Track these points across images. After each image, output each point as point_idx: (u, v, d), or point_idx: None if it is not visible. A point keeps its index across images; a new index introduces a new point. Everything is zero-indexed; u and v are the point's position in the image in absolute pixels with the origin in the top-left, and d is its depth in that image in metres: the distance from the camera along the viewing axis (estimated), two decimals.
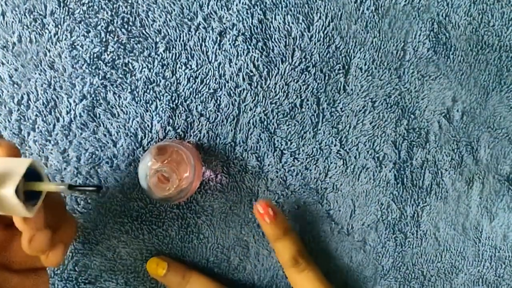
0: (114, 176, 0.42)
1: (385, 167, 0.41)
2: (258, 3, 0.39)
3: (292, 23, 0.39)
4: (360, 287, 0.43)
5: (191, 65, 0.40)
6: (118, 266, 0.43)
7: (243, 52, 0.40)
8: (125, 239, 0.42)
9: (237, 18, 0.40)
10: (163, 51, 0.40)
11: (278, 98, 0.41)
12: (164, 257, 0.42)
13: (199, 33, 0.40)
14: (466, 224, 0.42)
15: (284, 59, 0.40)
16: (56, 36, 0.41)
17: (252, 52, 0.40)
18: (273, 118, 0.41)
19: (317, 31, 0.40)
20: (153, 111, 0.41)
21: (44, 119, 0.42)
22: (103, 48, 0.41)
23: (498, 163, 0.41)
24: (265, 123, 0.41)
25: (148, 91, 0.41)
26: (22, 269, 0.34)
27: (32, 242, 0.31)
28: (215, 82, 0.40)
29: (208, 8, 0.40)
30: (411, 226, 0.42)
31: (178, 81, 0.41)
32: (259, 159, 0.41)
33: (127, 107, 0.41)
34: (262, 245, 0.42)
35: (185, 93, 0.41)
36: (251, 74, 0.40)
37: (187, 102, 0.41)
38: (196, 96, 0.41)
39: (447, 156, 0.41)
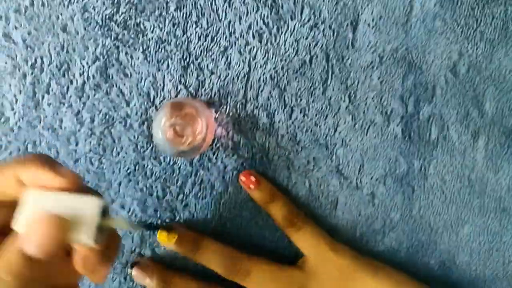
0: (127, 135, 0.43)
1: (393, 121, 0.42)
2: None
3: None
4: (369, 240, 0.44)
5: (201, 24, 0.41)
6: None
7: (253, 10, 0.41)
8: (139, 197, 0.44)
9: None
10: (174, 10, 0.41)
11: (288, 55, 0.41)
12: (175, 224, 0.43)
13: None
14: (472, 177, 0.43)
15: (293, 16, 0.41)
16: None
17: (262, 9, 0.41)
18: (283, 75, 0.42)
19: None
20: (165, 70, 0.42)
21: (58, 81, 0.42)
22: (114, 10, 0.41)
23: (503, 116, 0.42)
24: (276, 80, 0.42)
25: (159, 50, 0.42)
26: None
27: (85, 261, 0.31)
28: (225, 40, 0.41)
29: None
30: (419, 180, 0.43)
31: (189, 39, 0.41)
32: (269, 115, 0.42)
33: (139, 67, 0.42)
34: None
35: (196, 51, 0.41)
36: (261, 31, 0.41)
37: (198, 60, 0.42)
38: (207, 55, 0.42)
39: (453, 110, 0.42)
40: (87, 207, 0.29)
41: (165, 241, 0.41)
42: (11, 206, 0.30)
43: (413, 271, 0.44)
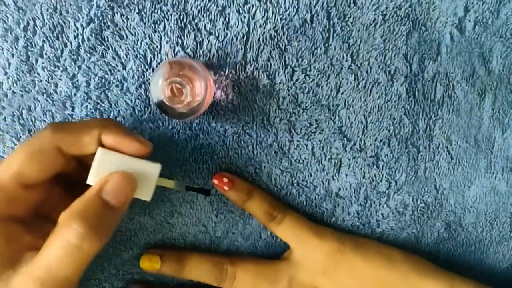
0: (124, 99, 0.42)
1: (397, 81, 0.41)
2: None
3: None
4: (373, 203, 0.43)
5: None
6: None
7: None
8: None
9: None
10: None
11: (288, 14, 0.40)
12: (154, 250, 0.43)
13: None
14: (478, 136, 0.42)
15: None
16: None
17: None
18: (283, 35, 0.40)
19: None
20: (162, 32, 0.41)
21: (52, 44, 0.41)
22: None
23: (510, 73, 0.41)
24: (276, 40, 0.40)
25: (155, 11, 0.40)
26: None
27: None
28: None
29: None
30: (424, 140, 0.42)
31: None
32: (270, 77, 0.41)
33: (135, 29, 0.41)
34: (274, 165, 0.42)
35: (193, 11, 0.40)
36: None
37: (196, 21, 0.40)
38: (205, 15, 0.40)
39: (459, 68, 0.41)
40: (148, 170, 0.35)
41: (149, 267, 0.41)
42: (78, 160, 0.36)
43: (419, 233, 0.43)
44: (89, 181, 0.35)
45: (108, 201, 0.33)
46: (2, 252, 0.32)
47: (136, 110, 0.42)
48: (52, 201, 0.37)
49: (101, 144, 0.35)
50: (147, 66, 0.41)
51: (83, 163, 0.37)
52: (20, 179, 0.33)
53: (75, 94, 0.42)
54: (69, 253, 0.31)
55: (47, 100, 0.42)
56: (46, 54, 0.41)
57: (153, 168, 0.36)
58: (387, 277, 0.40)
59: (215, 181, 0.41)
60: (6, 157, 0.35)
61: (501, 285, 0.45)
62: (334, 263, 0.40)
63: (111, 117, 0.42)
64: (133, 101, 0.42)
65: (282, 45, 0.41)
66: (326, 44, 0.41)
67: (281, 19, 0.40)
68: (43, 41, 0.41)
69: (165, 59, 0.41)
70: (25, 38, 0.41)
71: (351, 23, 0.40)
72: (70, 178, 0.37)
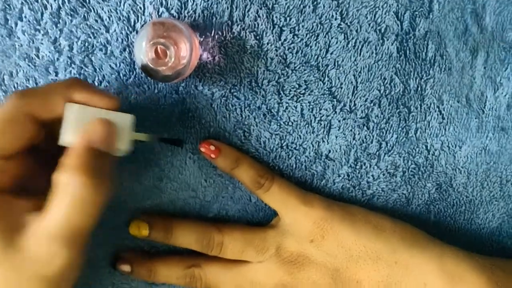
0: (109, 63, 0.41)
1: (387, 39, 0.40)
2: None
3: None
4: (364, 164, 0.43)
5: None
6: None
7: None
8: None
9: None
10: None
11: None
12: (143, 217, 0.42)
13: None
14: (470, 96, 0.41)
15: None
16: None
17: None
18: None
19: None
20: None
21: (31, 7, 0.40)
22: None
23: (503, 30, 0.40)
24: None
25: None
26: None
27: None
28: None
29: None
30: (415, 100, 0.41)
31: None
32: (257, 37, 0.40)
33: None
34: (263, 127, 0.42)
35: None
36: None
37: None
38: None
39: (451, 25, 0.40)
40: (121, 121, 0.36)
41: (138, 234, 0.41)
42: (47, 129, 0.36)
43: (410, 194, 0.43)
44: (64, 139, 0.35)
45: (99, 149, 0.34)
46: (1, 223, 0.32)
47: (121, 74, 0.41)
48: (29, 173, 0.36)
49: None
50: (131, 29, 0.40)
51: (52, 133, 0.36)
52: None
53: (57, 59, 0.41)
54: (79, 206, 0.32)
55: (29, 65, 0.41)
56: (25, 17, 0.40)
57: (126, 117, 0.36)
58: (375, 249, 0.39)
59: (202, 149, 0.41)
60: None
61: (490, 243, 0.45)
62: (322, 231, 0.40)
63: (95, 82, 0.41)
64: (118, 65, 0.41)
65: (270, 3, 0.39)
66: (315, 2, 0.39)
67: None
68: (22, 3, 0.40)
69: (149, 20, 0.40)
70: (3, 0, 0.40)
71: None
72: (39, 150, 0.37)
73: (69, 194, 0.32)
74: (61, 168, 0.33)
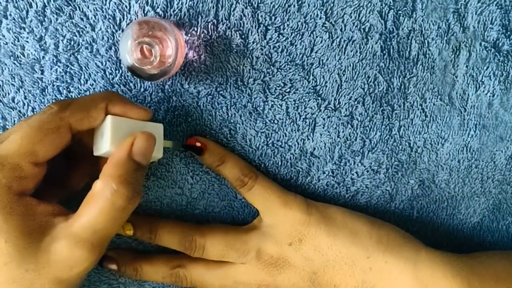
0: (95, 61, 0.41)
1: (371, 38, 0.40)
2: None
3: None
4: (348, 161, 0.43)
5: None
6: None
7: None
8: None
9: None
10: None
11: None
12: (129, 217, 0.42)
13: None
14: (453, 94, 0.42)
15: None
16: None
17: None
18: None
19: None
20: None
21: (16, 5, 0.40)
22: None
23: (485, 30, 0.41)
24: None
25: None
26: None
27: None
28: None
29: None
30: (398, 98, 0.42)
31: None
32: (243, 36, 0.40)
33: None
34: (249, 125, 0.42)
35: None
36: None
37: None
38: None
39: (434, 24, 0.40)
40: (154, 131, 0.37)
41: (122, 232, 0.42)
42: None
43: (393, 191, 0.44)
44: (102, 149, 0.36)
45: (139, 162, 0.35)
46: (26, 224, 0.33)
47: (107, 73, 0.41)
48: (55, 170, 0.37)
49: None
50: (116, 27, 0.40)
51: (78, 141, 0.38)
52: (32, 158, 0.34)
53: (43, 57, 0.41)
54: (113, 214, 0.33)
55: (14, 64, 0.41)
56: (10, 15, 0.40)
57: (158, 127, 0.38)
58: (349, 254, 0.40)
59: (188, 145, 0.41)
60: (10, 133, 0.34)
61: (471, 238, 0.46)
62: (299, 235, 0.40)
63: (81, 80, 0.41)
64: (104, 63, 0.41)
65: (255, 2, 0.40)
66: (300, 1, 0.40)
67: None
68: (7, 1, 0.39)
69: (135, 19, 0.40)
70: None
71: None
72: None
73: (106, 203, 0.33)
74: (102, 176, 0.34)
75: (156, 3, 0.39)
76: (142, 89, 0.41)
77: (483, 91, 0.42)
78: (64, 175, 0.39)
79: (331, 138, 0.43)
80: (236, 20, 0.40)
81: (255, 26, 0.40)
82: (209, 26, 0.40)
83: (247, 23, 0.40)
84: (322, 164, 0.43)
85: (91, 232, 0.33)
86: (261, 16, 0.40)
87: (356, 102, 0.42)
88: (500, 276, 0.38)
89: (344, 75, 0.41)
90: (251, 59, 0.41)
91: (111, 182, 0.33)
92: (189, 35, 0.40)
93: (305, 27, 0.40)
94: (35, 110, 0.41)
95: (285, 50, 0.41)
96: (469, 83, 0.42)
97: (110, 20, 0.40)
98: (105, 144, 0.36)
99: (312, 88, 0.41)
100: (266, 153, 0.43)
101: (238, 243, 0.41)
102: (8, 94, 0.41)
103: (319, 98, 0.42)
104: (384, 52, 0.41)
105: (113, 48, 0.40)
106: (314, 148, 0.43)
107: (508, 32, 0.40)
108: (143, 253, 0.44)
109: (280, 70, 0.41)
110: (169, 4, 0.40)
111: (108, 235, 0.34)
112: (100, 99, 0.36)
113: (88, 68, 0.41)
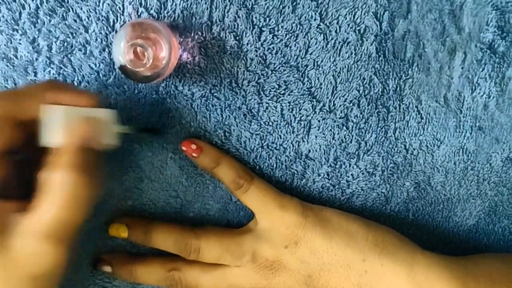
0: (88, 63, 0.40)
1: (366, 40, 0.40)
2: None
3: None
4: (343, 164, 0.43)
5: None
6: None
7: None
8: None
9: None
10: None
11: None
12: (123, 219, 0.42)
13: None
14: (448, 96, 0.42)
15: None
16: None
17: None
18: None
19: None
20: None
21: (9, 6, 0.39)
22: None
23: (480, 31, 0.40)
24: None
25: None
26: None
27: None
28: None
29: None
30: (394, 100, 0.42)
31: None
32: (237, 38, 0.40)
33: None
34: (244, 127, 0.42)
35: None
36: None
37: None
38: None
39: (429, 26, 0.40)
40: (103, 116, 0.36)
41: (117, 234, 0.42)
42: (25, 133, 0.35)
43: (389, 193, 0.44)
44: (46, 139, 0.35)
45: (89, 147, 0.34)
46: None
47: (101, 75, 0.41)
48: (8, 176, 0.36)
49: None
50: (110, 29, 0.40)
51: (30, 135, 0.36)
52: None
53: (36, 59, 0.40)
54: (70, 203, 0.32)
55: (7, 66, 0.40)
56: (3, 16, 0.40)
57: (107, 113, 0.37)
58: (345, 257, 0.39)
59: (184, 148, 0.41)
60: None
61: (467, 241, 0.46)
62: (295, 238, 0.40)
63: (75, 82, 0.41)
64: (97, 65, 0.40)
65: (249, 4, 0.39)
66: (294, 3, 0.39)
67: None
68: None
69: (128, 21, 0.40)
70: None
71: None
72: (16, 153, 0.37)
73: (60, 192, 0.32)
74: (49, 166, 0.33)
75: (150, 4, 0.39)
76: (136, 91, 0.41)
77: (479, 93, 0.42)
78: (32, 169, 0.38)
79: (326, 140, 0.42)
80: (230, 21, 0.40)
81: (249, 27, 0.40)
82: (203, 27, 0.40)
83: (241, 25, 0.40)
84: (317, 166, 0.43)
85: (51, 226, 0.32)
86: (255, 17, 0.40)
87: (351, 104, 0.42)
88: (495, 279, 0.38)
89: (339, 76, 0.41)
90: (246, 60, 0.41)
91: (61, 171, 0.33)
92: (183, 36, 0.40)
93: (299, 28, 0.40)
94: None
95: (280, 51, 0.40)
96: (464, 85, 0.41)
97: (103, 21, 0.40)
98: (45, 133, 0.35)
99: (307, 90, 0.41)
100: (261, 155, 0.43)
101: (233, 246, 0.41)
102: None
103: (314, 100, 0.41)
104: (380, 53, 0.41)
105: (106, 50, 0.40)
106: (309, 150, 0.43)
107: (504, 34, 0.40)
108: (137, 255, 0.44)
109: (274, 72, 0.41)
110: (162, 6, 0.39)
111: (71, 226, 0.33)
112: (39, 88, 0.35)
113: (82, 70, 0.41)
